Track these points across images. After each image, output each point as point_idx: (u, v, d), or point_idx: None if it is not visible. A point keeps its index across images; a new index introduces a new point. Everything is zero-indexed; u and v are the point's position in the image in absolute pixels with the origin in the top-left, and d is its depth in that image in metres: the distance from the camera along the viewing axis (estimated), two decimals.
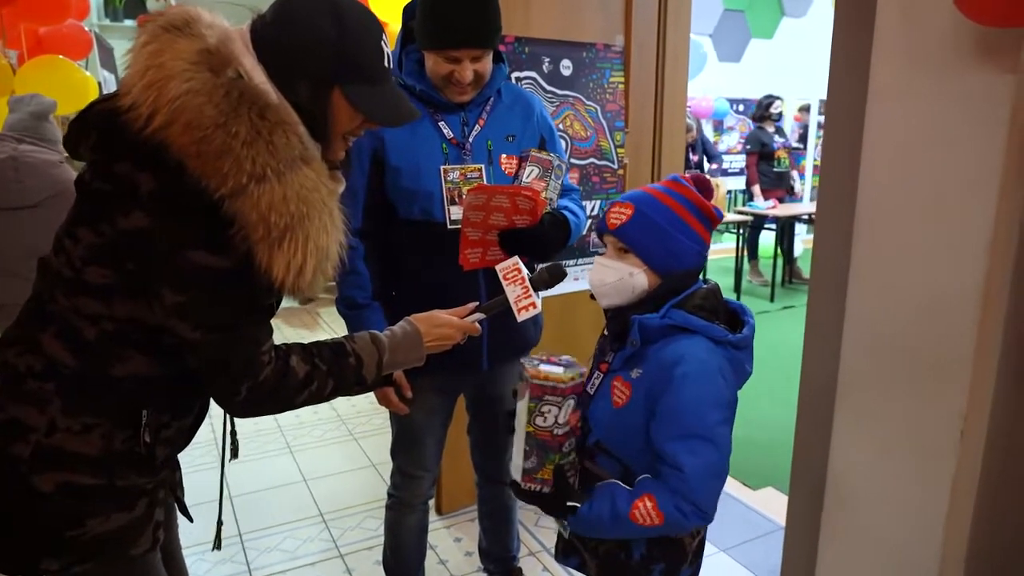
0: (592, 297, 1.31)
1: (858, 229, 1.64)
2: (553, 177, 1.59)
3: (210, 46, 0.94)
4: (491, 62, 1.53)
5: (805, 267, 6.70)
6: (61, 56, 3.05)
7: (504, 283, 1.29)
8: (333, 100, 1.03)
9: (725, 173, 7.44)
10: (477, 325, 1.29)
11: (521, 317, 1.28)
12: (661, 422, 1.12)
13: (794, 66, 7.46)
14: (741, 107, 7.45)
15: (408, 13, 1.56)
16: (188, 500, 1.25)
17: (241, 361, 0.99)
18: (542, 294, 1.38)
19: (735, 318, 1.24)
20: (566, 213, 1.60)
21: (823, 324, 1.79)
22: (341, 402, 3.57)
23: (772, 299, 5.95)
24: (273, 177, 0.91)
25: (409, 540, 1.86)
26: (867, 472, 1.69)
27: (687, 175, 1.25)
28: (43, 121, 2.30)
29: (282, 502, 2.74)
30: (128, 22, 8.39)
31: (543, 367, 1.15)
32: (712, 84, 7.06)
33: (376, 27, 1.05)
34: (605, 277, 1.20)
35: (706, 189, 1.22)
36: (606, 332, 1.29)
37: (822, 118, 6.89)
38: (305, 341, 1.12)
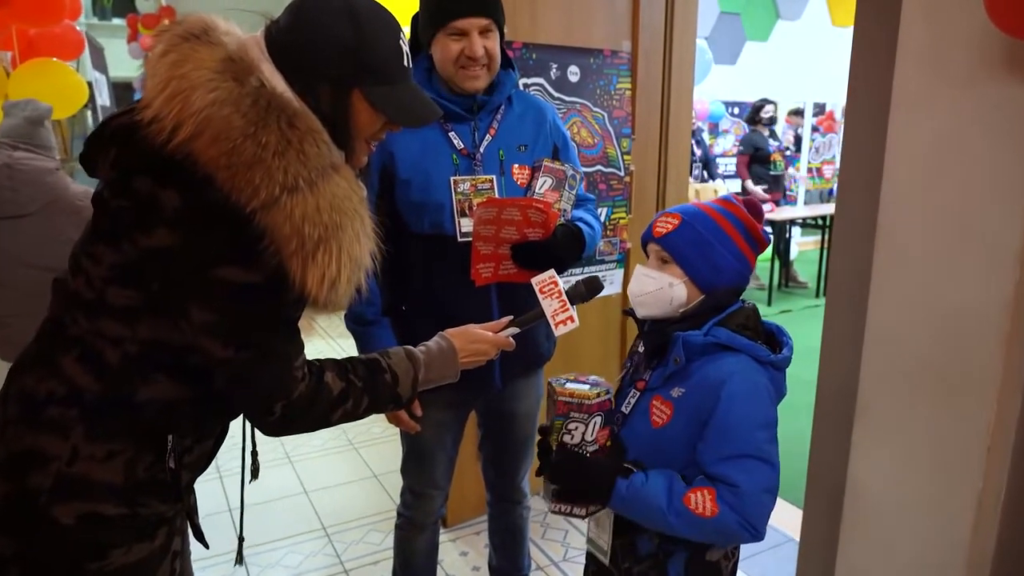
0: (625, 312, 1.30)
1: (880, 239, 1.62)
2: (567, 188, 1.55)
3: (232, 54, 0.91)
4: (499, 47, 1.50)
5: (800, 270, 6.71)
6: (55, 59, 2.99)
7: (540, 296, 1.25)
8: (353, 103, 0.99)
9: (721, 176, 7.43)
10: (511, 340, 1.25)
11: (559, 332, 1.25)
12: (710, 442, 1.10)
13: (789, 69, 7.47)
14: (736, 110, 7.44)
15: (416, 22, 1.52)
16: None
17: (274, 378, 0.96)
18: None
19: (772, 338, 1.23)
20: (580, 225, 1.56)
21: (841, 335, 1.76)
22: None
23: (769, 303, 5.95)
24: (305, 187, 0.88)
25: (419, 561, 1.82)
26: (889, 487, 1.67)
27: (740, 197, 1.23)
28: (38, 127, 2.24)
29: (283, 515, 2.69)
30: (117, 20, 8.28)
31: (569, 385, 1.15)
32: (707, 87, 7.05)
33: (394, 26, 1.02)
34: (645, 286, 1.19)
35: (757, 213, 1.21)
36: (640, 348, 1.26)
37: (815, 120, 6.87)
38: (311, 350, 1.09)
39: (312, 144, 0.90)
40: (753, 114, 6.20)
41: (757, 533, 1.07)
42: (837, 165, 7.77)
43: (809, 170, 7.45)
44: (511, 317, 1.29)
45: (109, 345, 0.95)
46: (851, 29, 1.66)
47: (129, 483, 0.97)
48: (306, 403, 0.99)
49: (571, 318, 1.24)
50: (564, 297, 1.25)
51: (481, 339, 1.22)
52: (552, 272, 1.28)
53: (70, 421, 0.94)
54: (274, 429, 1.01)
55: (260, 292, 0.91)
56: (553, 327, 1.25)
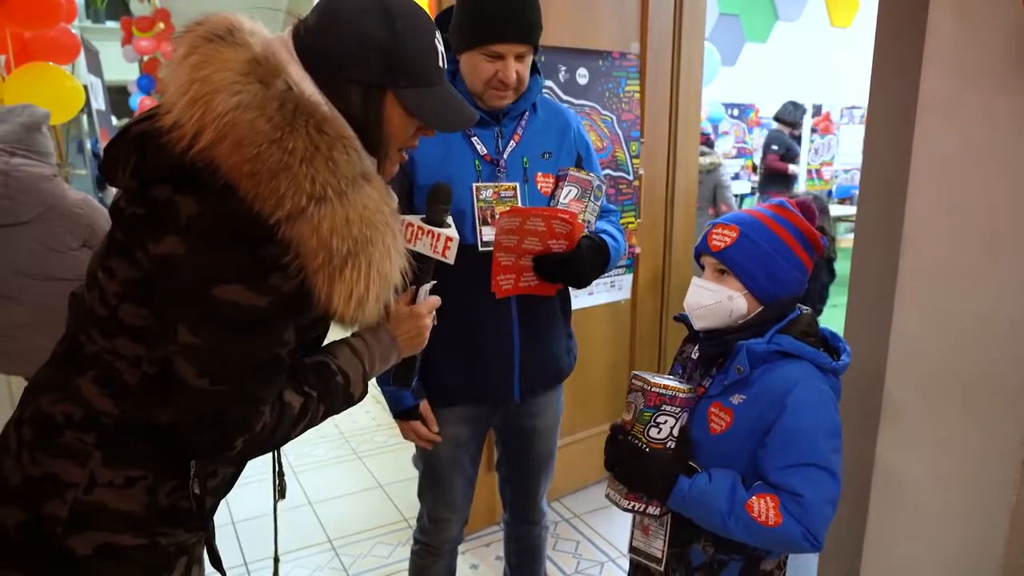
0: (677, 319, 1.31)
1: (906, 246, 1.57)
2: (592, 198, 1.51)
3: (258, 55, 0.85)
4: (530, 66, 1.45)
5: None
6: (51, 63, 2.93)
7: (413, 246, 1.16)
8: (387, 107, 0.94)
9: None
10: (433, 298, 1.16)
11: (448, 258, 1.16)
12: (774, 450, 1.08)
13: (787, 70, 7.43)
14: (736, 112, 7.40)
15: (440, 23, 1.47)
16: None
17: (239, 418, 0.87)
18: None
19: (827, 344, 1.21)
20: (605, 237, 1.51)
21: (864, 345, 1.71)
22: (342, 419, 3.47)
23: None
24: (335, 197, 0.82)
25: None
26: (918, 498, 1.62)
27: (792, 200, 1.19)
28: (35, 133, 2.17)
29: (288, 527, 2.63)
30: (110, 23, 8.22)
31: (658, 379, 1.16)
32: (707, 88, 6.99)
33: (429, 25, 0.97)
34: (702, 299, 1.18)
35: (811, 215, 1.20)
36: (694, 355, 1.25)
37: (812, 121, 6.80)
38: None
39: (342, 151, 0.85)
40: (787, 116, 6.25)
41: (818, 544, 1.07)
42: (835, 167, 7.78)
43: (808, 171, 7.42)
44: (413, 288, 1.15)
45: (127, 365, 0.90)
46: (849, 30, 1.62)
47: (150, 511, 0.92)
48: (269, 432, 0.91)
49: (448, 238, 1.16)
50: (428, 228, 1.16)
51: (407, 315, 1.11)
52: (405, 219, 1.17)
53: (87, 446, 0.89)
54: (231, 461, 0.95)
55: (258, 319, 0.84)
56: (442, 258, 1.16)
